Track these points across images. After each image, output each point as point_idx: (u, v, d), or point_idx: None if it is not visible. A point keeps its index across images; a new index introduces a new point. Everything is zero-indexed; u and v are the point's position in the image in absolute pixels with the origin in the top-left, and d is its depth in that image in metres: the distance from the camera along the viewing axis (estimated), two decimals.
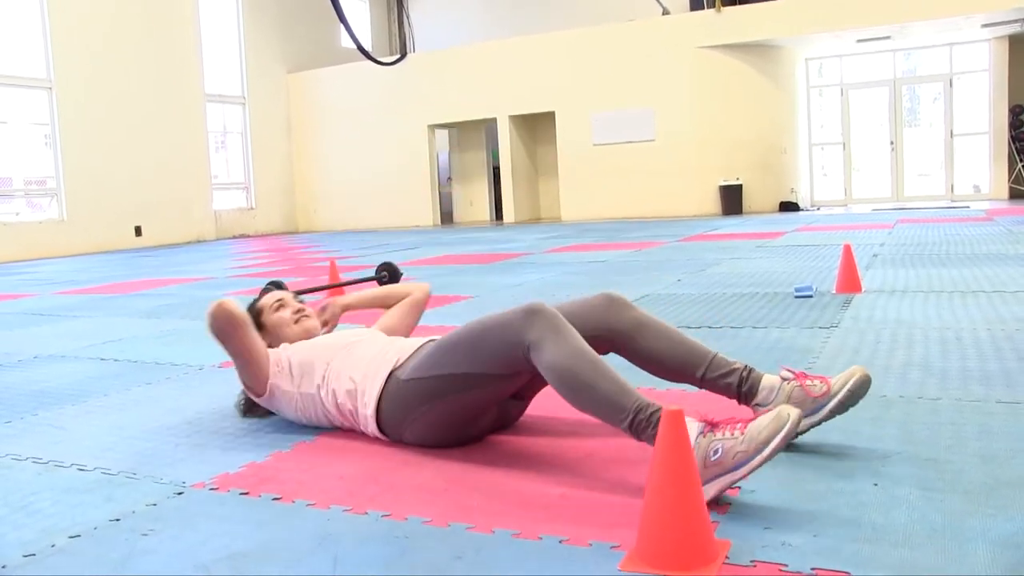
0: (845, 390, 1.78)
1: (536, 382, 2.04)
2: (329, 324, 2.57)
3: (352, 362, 2.12)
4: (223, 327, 2.12)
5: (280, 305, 2.44)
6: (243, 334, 2.15)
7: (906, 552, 1.33)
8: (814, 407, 1.78)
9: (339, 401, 2.11)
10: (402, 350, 2.09)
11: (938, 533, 1.39)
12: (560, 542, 1.44)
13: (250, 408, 2.38)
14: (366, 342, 2.20)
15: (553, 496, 1.65)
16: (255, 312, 2.43)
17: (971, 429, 1.93)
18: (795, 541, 1.39)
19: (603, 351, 2.00)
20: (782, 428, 1.48)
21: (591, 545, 1.42)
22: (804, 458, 1.79)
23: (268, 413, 2.35)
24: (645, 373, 2.04)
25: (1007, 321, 3.22)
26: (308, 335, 2.40)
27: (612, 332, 1.98)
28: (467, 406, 1.93)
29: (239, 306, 2.15)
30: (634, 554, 1.35)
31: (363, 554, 1.44)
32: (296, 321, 2.41)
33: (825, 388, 1.80)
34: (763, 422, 1.50)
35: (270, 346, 2.34)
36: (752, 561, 1.32)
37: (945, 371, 2.49)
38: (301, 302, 2.51)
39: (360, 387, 2.07)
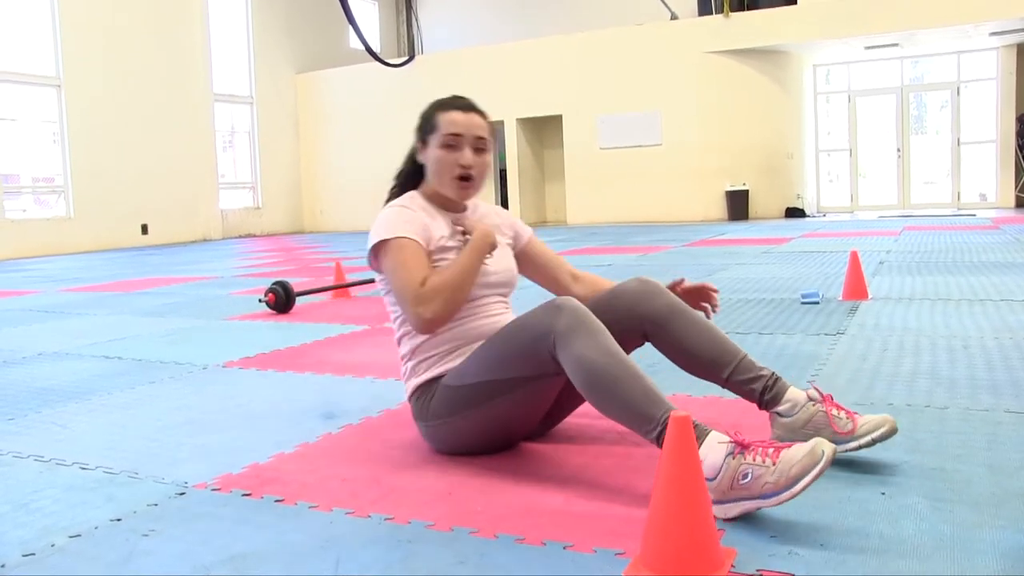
0: (869, 438, 1.72)
1: (566, 402, 1.98)
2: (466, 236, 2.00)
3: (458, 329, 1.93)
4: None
5: (454, 144, 1.94)
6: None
7: (914, 563, 1.32)
8: (833, 439, 1.72)
9: (402, 334, 1.97)
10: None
11: (946, 544, 1.38)
12: (564, 548, 1.42)
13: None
14: (479, 309, 1.96)
15: (557, 501, 1.64)
16: (431, 117, 1.98)
17: (979, 439, 1.92)
18: (802, 550, 1.37)
19: (637, 342, 1.95)
20: (815, 465, 1.42)
21: (595, 551, 1.40)
22: None
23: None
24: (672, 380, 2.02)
25: (1015, 330, 3.20)
26: (452, 212, 2.02)
27: (643, 318, 1.90)
28: (495, 417, 1.84)
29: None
30: (639, 561, 1.33)
31: (365, 558, 1.43)
32: (456, 177, 1.95)
33: (851, 427, 1.74)
34: (796, 455, 1.45)
35: (423, 167, 2.02)
36: (758, 570, 1.31)
37: (953, 380, 2.47)
38: (481, 149, 1.97)
39: (425, 354, 1.94)
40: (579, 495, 1.67)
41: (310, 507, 1.67)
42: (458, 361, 1.91)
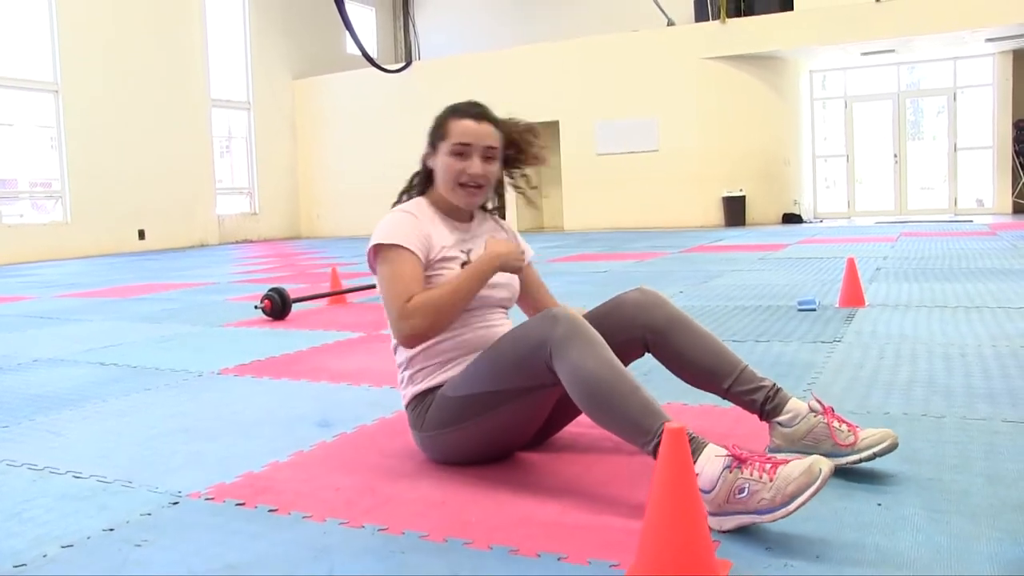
0: (870, 452, 1.72)
1: (561, 415, 1.98)
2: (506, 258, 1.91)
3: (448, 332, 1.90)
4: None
5: (463, 152, 1.91)
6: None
7: (911, 575, 1.31)
8: (832, 452, 1.73)
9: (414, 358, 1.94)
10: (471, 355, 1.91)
11: (943, 556, 1.37)
12: (559, 559, 1.42)
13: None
14: (477, 319, 1.94)
15: (551, 512, 1.63)
16: (443, 123, 1.95)
17: (976, 448, 1.91)
18: (797, 563, 1.37)
19: (637, 351, 1.94)
20: (812, 483, 1.42)
21: (590, 563, 1.40)
22: None
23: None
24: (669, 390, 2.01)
25: (1012, 337, 3.19)
26: (458, 220, 2.00)
27: (643, 328, 1.90)
28: (492, 428, 1.83)
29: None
30: (633, 573, 1.32)
31: (359, 568, 1.42)
32: (460, 184, 1.93)
33: (852, 439, 1.74)
34: (793, 472, 1.44)
35: (433, 172, 1.99)
36: None
37: (950, 388, 2.47)
38: (490, 158, 1.95)
39: (422, 364, 1.92)
40: (574, 505, 1.66)
41: (304, 517, 1.66)
42: (455, 371, 1.90)
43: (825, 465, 1.45)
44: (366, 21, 18.29)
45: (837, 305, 4.18)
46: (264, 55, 16.12)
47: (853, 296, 4.18)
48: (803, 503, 1.42)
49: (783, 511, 1.43)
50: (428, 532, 1.55)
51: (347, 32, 12.69)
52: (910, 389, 2.48)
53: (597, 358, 1.64)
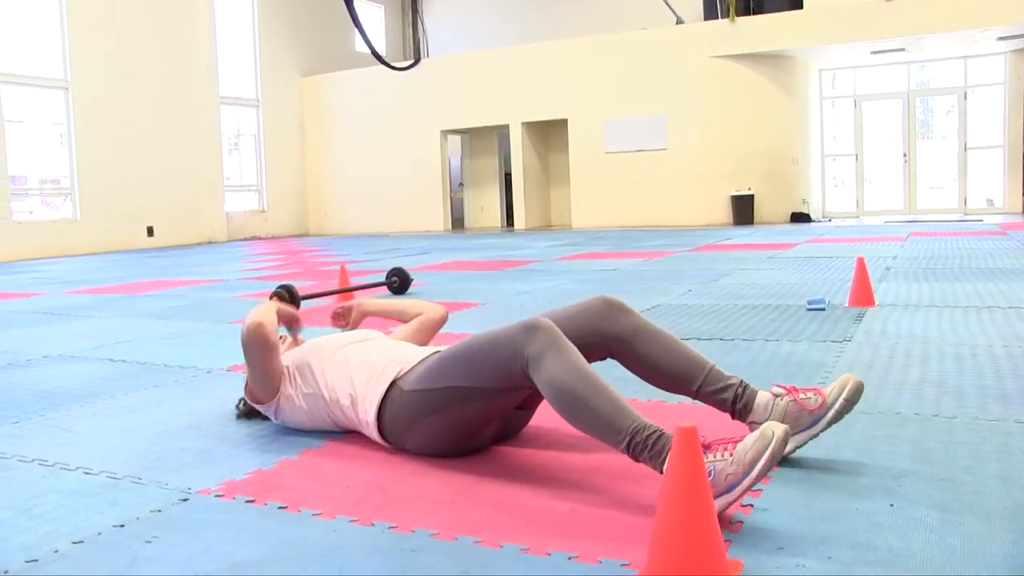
0: (841, 400, 1.78)
1: (539, 393, 2.03)
2: (351, 325, 2.59)
3: (356, 365, 2.10)
4: (254, 346, 2.14)
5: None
6: (269, 356, 2.16)
7: None
8: (812, 420, 1.78)
9: (343, 403, 2.10)
10: (406, 360, 2.06)
11: (957, 558, 1.36)
12: (569, 559, 1.41)
13: (247, 412, 2.41)
14: (373, 346, 2.17)
15: (562, 511, 1.63)
16: None
17: (989, 449, 1.90)
18: (809, 563, 1.36)
19: (600, 357, 1.99)
20: (767, 448, 1.48)
21: (601, 562, 1.39)
22: (818, 476, 1.76)
23: (264, 417, 2.37)
24: (646, 385, 2.01)
25: (1023, 338, 3.17)
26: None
27: (608, 337, 1.96)
28: (468, 418, 1.92)
29: (274, 331, 2.16)
30: (645, 572, 1.32)
31: (369, 566, 1.42)
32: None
33: (820, 400, 1.79)
34: (748, 442, 1.50)
35: None
36: None
37: (961, 388, 2.46)
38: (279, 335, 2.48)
39: (361, 394, 2.06)
40: (583, 504, 1.66)
41: (313, 514, 1.66)
42: (379, 375, 2.02)
43: (779, 428, 1.50)
44: (374, 18, 18.30)
45: (847, 304, 4.16)
46: (273, 52, 16.15)
47: (863, 295, 4.16)
48: (764, 467, 1.47)
49: (747, 480, 1.47)
50: (438, 530, 1.55)
51: (356, 29, 12.71)
52: (921, 389, 2.47)
53: (569, 368, 1.70)
